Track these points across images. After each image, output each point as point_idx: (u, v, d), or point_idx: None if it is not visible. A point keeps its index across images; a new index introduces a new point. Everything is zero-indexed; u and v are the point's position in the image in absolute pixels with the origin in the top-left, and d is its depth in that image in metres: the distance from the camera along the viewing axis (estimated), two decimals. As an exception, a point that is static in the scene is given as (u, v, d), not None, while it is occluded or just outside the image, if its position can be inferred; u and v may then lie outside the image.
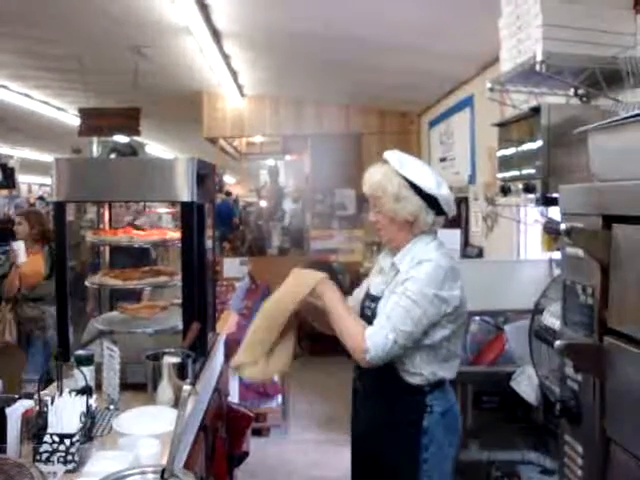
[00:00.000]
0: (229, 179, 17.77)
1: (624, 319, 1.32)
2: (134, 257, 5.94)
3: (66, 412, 1.84)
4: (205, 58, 5.19)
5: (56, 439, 1.75)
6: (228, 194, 12.60)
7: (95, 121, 6.12)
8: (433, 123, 6.67)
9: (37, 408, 1.88)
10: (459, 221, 5.17)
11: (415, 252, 2.06)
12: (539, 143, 2.32)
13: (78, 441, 1.77)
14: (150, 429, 1.98)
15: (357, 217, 7.49)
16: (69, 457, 1.75)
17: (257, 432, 4.63)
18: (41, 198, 11.77)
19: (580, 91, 2.66)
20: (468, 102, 5.24)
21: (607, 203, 1.37)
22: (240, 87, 6.78)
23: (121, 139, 6.24)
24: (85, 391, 1.97)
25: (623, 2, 2.50)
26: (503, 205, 3.70)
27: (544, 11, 2.38)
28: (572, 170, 2.20)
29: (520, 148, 2.54)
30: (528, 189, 2.40)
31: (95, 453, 1.83)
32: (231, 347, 4.05)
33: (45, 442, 1.75)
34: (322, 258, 7.22)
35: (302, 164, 9.06)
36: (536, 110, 2.36)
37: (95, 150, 7.03)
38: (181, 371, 2.28)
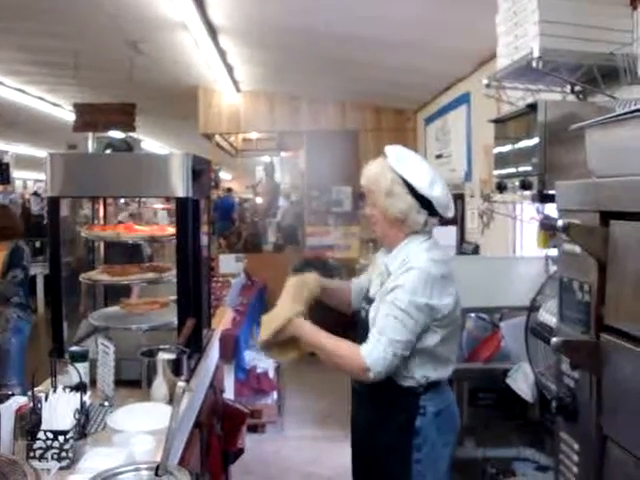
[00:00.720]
0: (225, 175, 17.73)
1: (621, 316, 1.31)
2: (129, 253, 5.93)
3: (60, 409, 1.82)
4: (201, 53, 5.17)
5: (50, 436, 1.74)
6: (229, 190, 12.63)
7: (90, 117, 6.08)
8: (429, 120, 6.67)
9: (31, 404, 1.87)
10: (455, 218, 5.16)
11: (406, 254, 2.04)
12: (535, 140, 2.32)
13: (72, 438, 1.76)
14: (144, 426, 1.96)
15: (353, 214, 7.49)
16: (63, 454, 1.73)
17: (253, 428, 4.63)
18: (36, 194, 11.72)
19: (577, 88, 2.66)
20: (465, 99, 5.23)
21: (604, 199, 1.37)
22: (236, 83, 6.76)
23: (117, 135, 6.21)
24: (79, 387, 1.96)
25: (620, -1, 2.50)
26: (499, 202, 3.70)
27: (541, 7, 2.37)
28: (569, 167, 2.19)
29: (516, 145, 2.54)
30: (524, 186, 2.40)
31: (89, 450, 1.82)
32: (226, 343, 4.05)
33: (39, 439, 1.74)
34: (318, 254, 7.22)
35: (298, 161, 9.05)
36: (533, 107, 2.35)
37: (90, 146, 6.99)
38: (176, 367, 2.26)
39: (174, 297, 2.62)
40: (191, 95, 7.22)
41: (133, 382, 2.34)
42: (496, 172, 2.76)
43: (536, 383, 2.43)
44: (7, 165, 10.34)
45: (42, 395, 1.87)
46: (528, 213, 3.46)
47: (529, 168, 2.39)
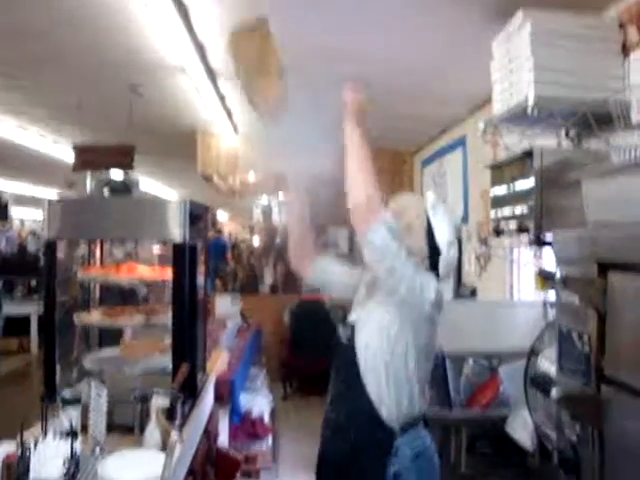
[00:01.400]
0: (222, 215, 17.79)
1: (621, 366, 1.29)
2: (124, 294, 5.89)
3: (49, 457, 1.79)
4: (200, 97, 5.23)
5: (38, 486, 1.70)
6: (219, 232, 12.65)
7: (89, 158, 6.12)
8: (426, 162, 6.72)
9: (19, 452, 1.83)
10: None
11: None
12: (531, 183, 2.34)
13: (61, 488, 1.71)
14: (136, 475, 1.92)
15: (350, 256, 7.48)
16: (51, 505, 1.69)
17: (247, 474, 4.52)
18: (33, 233, 11.72)
19: (571, 133, 2.69)
20: (461, 142, 5.28)
21: (602, 250, 1.37)
22: (234, 126, 6.82)
23: (116, 176, 6.24)
24: (70, 434, 1.92)
25: (612, 47, 2.55)
26: (496, 246, 3.70)
27: (535, 55, 2.42)
28: (565, 211, 2.21)
29: (513, 187, 2.55)
30: (521, 229, 2.40)
31: (78, 501, 1.77)
32: (222, 387, 3.99)
33: (27, 489, 1.70)
34: (313, 297, 7.18)
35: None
36: (529, 154, 2.37)
37: (89, 185, 7.03)
38: (170, 413, 2.23)
39: (169, 340, 2.59)
40: (190, 137, 7.27)
41: (126, 428, 2.30)
42: (493, 213, 2.77)
43: (536, 431, 2.39)
44: (6, 203, 10.38)
45: (31, 442, 1.83)
46: (525, 256, 3.46)
47: (525, 211, 2.40)
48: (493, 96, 2.80)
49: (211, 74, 4.56)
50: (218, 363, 4.20)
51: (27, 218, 17.58)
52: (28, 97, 5.75)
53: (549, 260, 2.63)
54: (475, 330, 2.93)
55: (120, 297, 4.89)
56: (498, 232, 2.72)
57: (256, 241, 10.40)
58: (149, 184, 12.55)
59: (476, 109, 4.63)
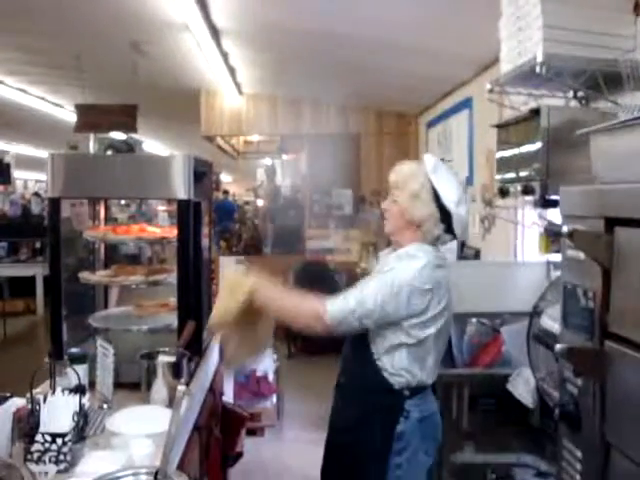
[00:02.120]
0: (226, 177, 17.74)
1: (625, 323, 1.30)
2: (130, 254, 5.92)
3: (58, 411, 1.81)
4: (203, 56, 5.17)
5: (48, 438, 1.73)
6: (225, 193, 12.65)
7: (92, 118, 6.08)
8: (431, 124, 6.66)
9: (29, 407, 1.86)
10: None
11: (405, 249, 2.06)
12: (538, 145, 2.31)
13: (70, 441, 1.74)
14: (144, 429, 1.95)
15: (354, 217, 7.48)
16: (61, 457, 1.72)
17: (252, 432, 4.60)
18: (36, 194, 11.71)
19: (580, 93, 2.65)
20: (467, 104, 5.22)
21: (609, 205, 1.36)
22: (238, 85, 6.76)
23: (118, 136, 6.21)
24: (78, 390, 1.95)
25: (624, 5, 2.49)
26: (501, 207, 3.69)
27: (545, 13, 2.37)
28: (571, 172, 2.19)
29: (519, 150, 2.53)
30: (527, 191, 2.39)
31: (87, 453, 1.80)
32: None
33: (37, 441, 1.72)
34: (318, 258, 7.21)
35: (299, 164, 9.05)
36: (536, 112, 2.34)
37: (92, 147, 7.01)
38: (176, 370, 2.25)
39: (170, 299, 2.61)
40: (193, 97, 7.21)
41: (133, 385, 2.34)
42: (498, 177, 2.75)
43: (537, 389, 2.42)
44: (8, 165, 10.33)
45: (40, 397, 1.85)
46: (529, 218, 3.45)
47: (531, 173, 2.38)
48: (501, 55, 2.75)
49: (214, 31, 4.50)
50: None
51: (30, 178, 17.56)
52: (29, 56, 5.69)
53: (555, 221, 2.62)
54: (478, 291, 2.93)
55: (125, 259, 4.92)
56: (503, 193, 2.70)
57: (260, 202, 10.39)
58: (152, 146, 12.50)
59: (483, 70, 4.56)
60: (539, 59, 2.35)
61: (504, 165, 2.70)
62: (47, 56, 5.67)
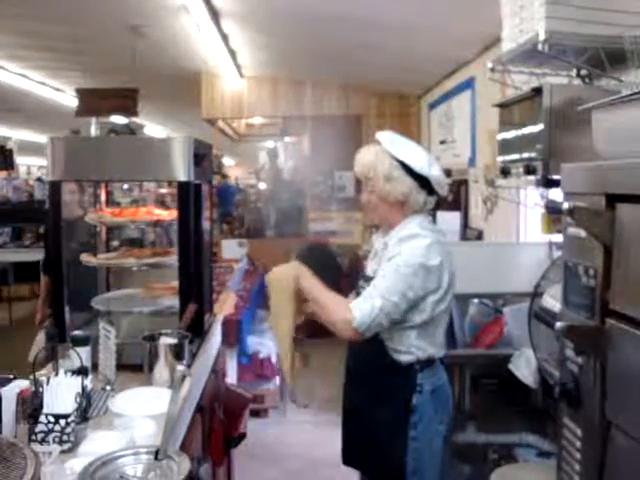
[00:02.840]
0: (228, 161, 17.71)
1: (626, 301, 1.29)
2: (132, 237, 5.92)
3: (61, 392, 1.82)
4: (203, 38, 5.13)
5: (51, 419, 1.74)
6: (224, 177, 12.61)
7: (92, 102, 6.04)
8: (433, 105, 6.62)
9: (33, 388, 1.87)
10: (459, 203, 5.14)
11: (404, 229, 2.07)
12: (540, 126, 2.29)
13: (73, 421, 1.76)
14: (146, 410, 1.96)
15: (356, 199, 7.46)
16: (64, 437, 1.73)
17: (255, 413, 4.64)
18: (39, 179, 11.71)
19: (583, 71, 2.62)
20: (469, 84, 5.19)
21: (611, 182, 1.35)
22: (239, 67, 6.72)
23: (119, 120, 6.18)
24: (81, 371, 1.96)
25: (627, -20, 2.45)
26: (503, 187, 3.67)
27: (547, -11, 2.33)
28: (574, 151, 2.17)
29: (521, 131, 2.51)
30: (529, 171, 2.37)
31: (90, 433, 1.82)
32: (229, 328, 4.05)
33: (40, 422, 1.74)
34: (320, 240, 7.21)
35: (301, 146, 9.01)
36: (538, 90, 2.32)
37: (93, 131, 6.99)
38: (177, 352, 2.26)
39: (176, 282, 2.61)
40: (194, 80, 7.17)
41: (135, 366, 2.34)
42: (500, 158, 2.73)
43: (539, 369, 2.42)
44: (10, 151, 10.32)
45: (44, 379, 1.86)
46: (532, 199, 3.44)
47: (533, 154, 2.36)
48: (502, 34, 2.72)
49: (214, 13, 4.46)
50: (226, 305, 4.25)
51: (34, 164, 17.55)
52: (29, 41, 5.66)
53: (557, 200, 2.60)
54: (480, 271, 2.93)
55: (128, 242, 4.91)
56: (505, 174, 2.69)
57: (262, 185, 10.37)
58: (154, 130, 12.46)
59: (485, 50, 4.52)
60: (541, 37, 2.32)
61: (506, 146, 2.68)
62: (47, 40, 5.63)
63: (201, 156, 2.56)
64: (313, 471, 3.99)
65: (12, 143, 10.99)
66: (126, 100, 6.08)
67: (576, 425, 1.52)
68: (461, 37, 4.38)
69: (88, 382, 1.98)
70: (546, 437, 2.83)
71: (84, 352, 2.17)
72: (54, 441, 1.73)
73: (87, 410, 1.92)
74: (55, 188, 2.43)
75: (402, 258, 1.97)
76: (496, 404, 2.95)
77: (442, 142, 6.14)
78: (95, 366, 2.29)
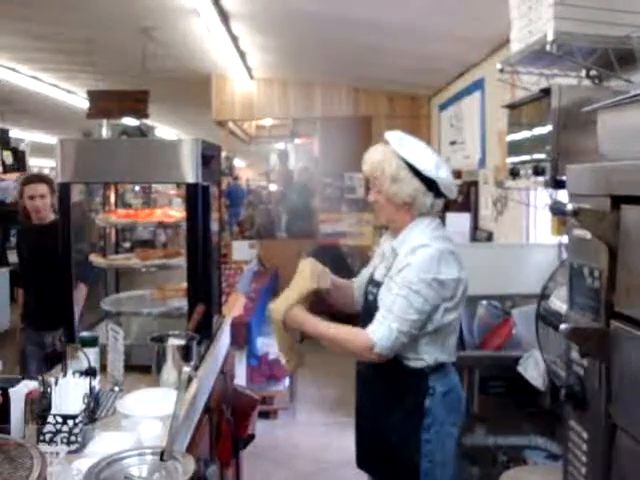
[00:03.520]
0: (239, 163, 17.74)
1: (631, 302, 1.28)
2: (144, 239, 5.94)
3: (70, 393, 1.84)
4: (213, 40, 5.15)
5: (59, 420, 1.76)
6: (236, 179, 12.64)
7: (104, 104, 6.11)
8: (443, 106, 6.60)
9: (41, 389, 1.88)
10: (469, 205, 5.13)
11: (413, 236, 2.05)
12: (549, 127, 2.28)
13: (81, 422, 1.77)
14: (153, 411, 1.97)
15: (366, 200, 7.46)
16: (72, 438, 1.75)
17: (265, 415, 4.65)
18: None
19: (592, 72, 2.60)
20: (479, 85, 5.17)
21: (616, 183, 1.34)
22: (249, 69, 6.73)
23: (131, 122, 6.23)
24: (89, 372, 1.98)
25: (636, -20, 2.44)
26: (512, 189, 3.66)
27: (556, -10, 2.32)
28: (583, 152, 2.15)
29: (530, 132, 2.50)
30: (537, 172, 2.36)
31: (98, 434, 1.83)
32: (238, 329, 4.06)
33: (49, 423, 1.75)
34: (331, 242, 7.21)
35: (312, 147, 9.02)
36: (547, 91, 2.31)
37: (105, 133, 7.04)
38: (185, 353, 2.27)
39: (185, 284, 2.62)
40: (204, 82, 7.20)
41: (143, 367, 2.36)
42: (509, 159, 2.72)
43: (547, 371, 2.41)
44: (23, 153, 10.39)
45: (52, 380, 1.88)
46: (541, 200, 3.42)
47: (542, 155, 2.35)
48: (511, 35, 2.71)
49: (224, 15, 4.47)
50: (235, 307, 4.26)
51: (46, 166, 17.66)
52: (41, 43, 5.70)
53: (562, 200, 2.59)
54: (489, 273, 2.92)
55: (139, 244, 4.93)
56: (514, 175, 2.68)
57: (273, 187, 10.39)
58: (164, 132, 12.52)
59: (495, 51, 4.51)
60: (550, 37, 2.31)
61: (515, 148, 2.66)
62: (59, 43, 5.67)
63: (209, 157, 2.57)
64: (322, 473, 3.99)
65: (25, 145, 11.05)
66: (137, 102, 6.14)
67: (582, 428, 1.51)
68: (470, 38, 4.37)
69: (96, 383, 2.00)
70: (555, 440, 2.81)
71: (92, 353, 2.19)
72: (62, 441, 1.74)
73: (95, 411, 1.94)
74: (64, 190, 2.45)
75: (413, 272, 1.95)
76: (505, 406, 2.94)
77: (452, 143, 6.12)
78: (103, 367, 2.31)
